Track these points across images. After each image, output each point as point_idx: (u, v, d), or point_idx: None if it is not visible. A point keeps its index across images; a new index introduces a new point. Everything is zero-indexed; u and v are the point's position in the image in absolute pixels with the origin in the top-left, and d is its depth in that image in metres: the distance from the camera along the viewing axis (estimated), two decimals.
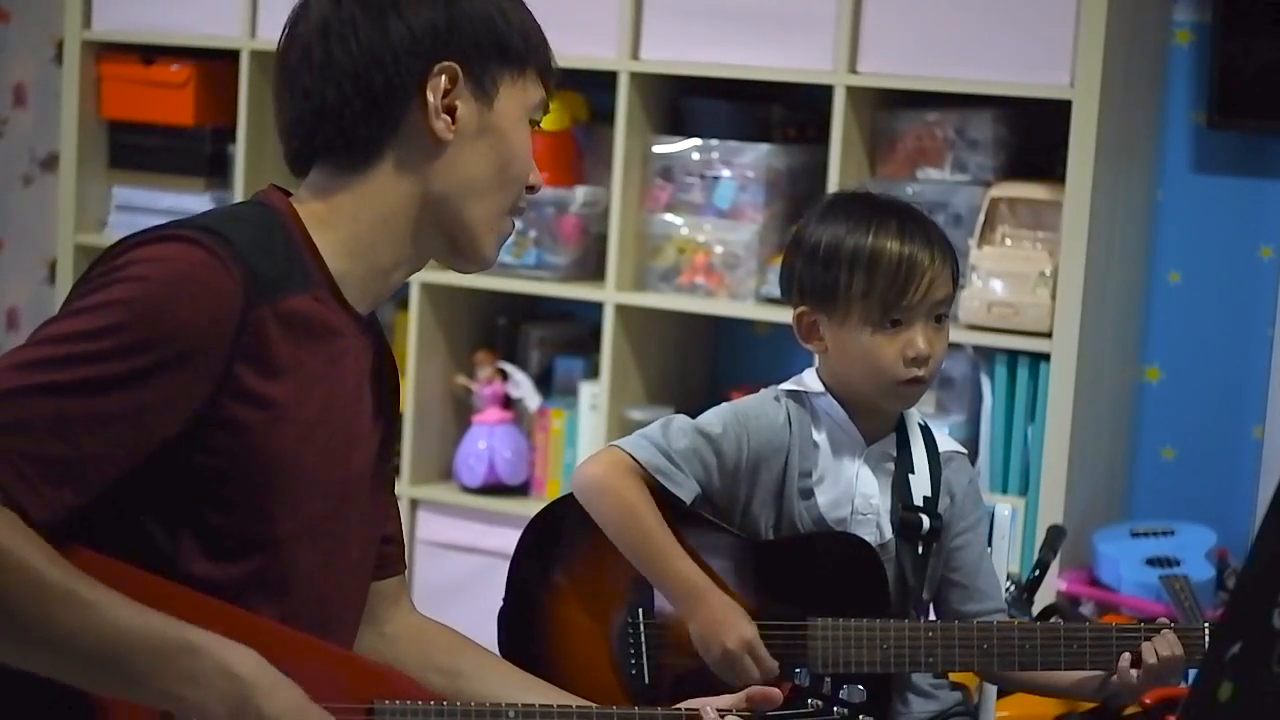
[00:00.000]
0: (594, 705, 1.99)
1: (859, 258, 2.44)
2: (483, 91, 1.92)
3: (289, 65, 1.92)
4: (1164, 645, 2.38)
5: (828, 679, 2.03)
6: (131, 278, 1.75)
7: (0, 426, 1.68)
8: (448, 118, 1.90)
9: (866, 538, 2.47)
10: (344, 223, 1.91)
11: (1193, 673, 2.46)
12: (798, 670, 2.06)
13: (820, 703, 2.04)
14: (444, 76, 1.90)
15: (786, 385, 2.54)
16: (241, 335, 1.79)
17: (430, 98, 1.89)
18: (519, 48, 1.94)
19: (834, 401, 2.50)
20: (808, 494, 2.49)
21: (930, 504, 2.50)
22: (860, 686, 2.03)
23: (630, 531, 2.44)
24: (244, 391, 1.80)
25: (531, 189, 2.00)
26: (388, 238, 1.93)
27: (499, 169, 1.95)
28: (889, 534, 2.49)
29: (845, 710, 2.03)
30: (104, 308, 1.74)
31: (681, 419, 2.52)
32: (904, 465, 2.51)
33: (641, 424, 2.64)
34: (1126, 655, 2.39)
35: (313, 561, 1.90)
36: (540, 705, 1.94)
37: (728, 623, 2.38)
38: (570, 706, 1.96)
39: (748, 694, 2.04)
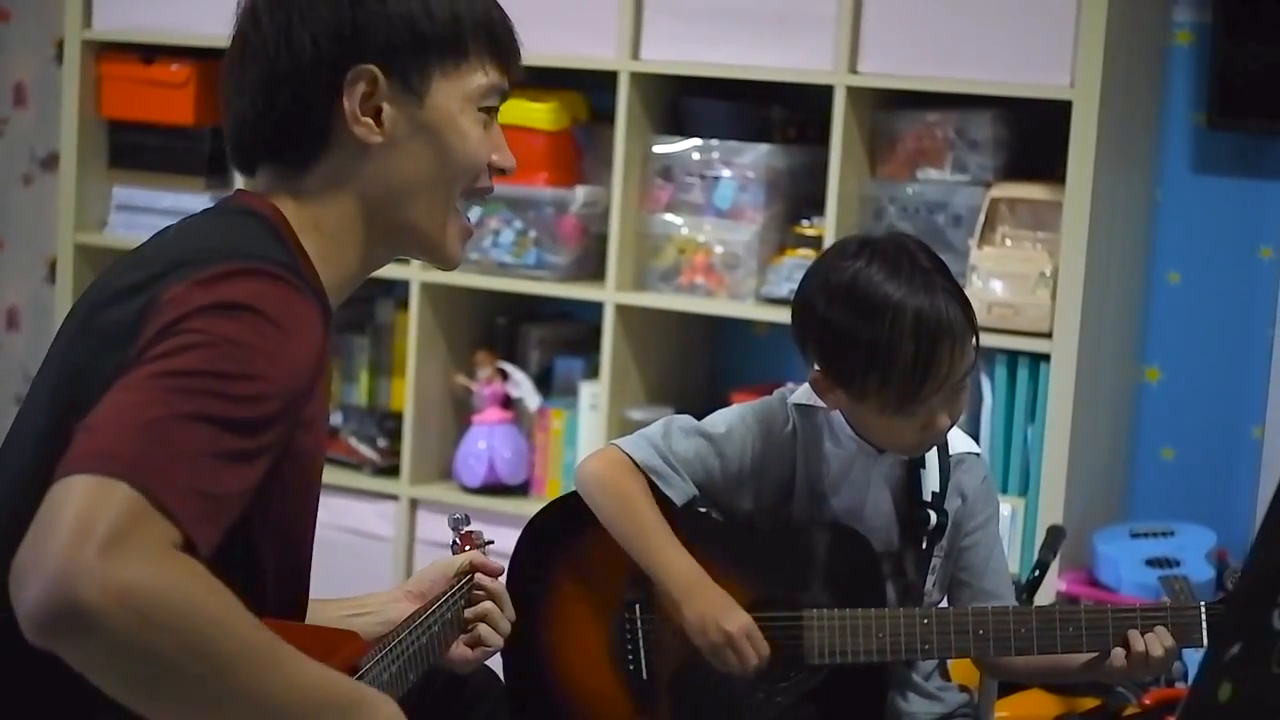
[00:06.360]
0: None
1: (875, 355, 2.34)
2: (410, 90, 1.88)
3: (224, 76, 1.95)
4: (1154, 643, 2.38)
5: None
6: (248, 316, 1.66)
7: (158, 457, 1.54)
8: (370, 121, 1.86)
9: (875, 540, 2.47)
10: (308, 231, 1.88)
11: (1191, 670, 2.47)
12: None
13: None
14: (361, 82, 1.86)
15: (797, 398, 2.52)
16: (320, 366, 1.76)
17: (347, 104, 1.86)
18: (449, 38, 1.89)
19: (843, 418, 2.49)
20: (820, 502, 2.49)
21: (937, 499, 2.50)
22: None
23: (627, 523, 2.46)
24: (303, 419, 1.75)
25: (501, 171, 1.96)
26: (349, 244, 1.90)
27: (438, 165, 1.90)
28: (896, 535, 2.49)
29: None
30: (225, 345, 1.63)
31: (684, 420, 2.52)
32: (915, 460, 2.51)
33: (642, 424, 2.65)
34: (1119, 651, 2.40)
35: (308, 559, 1.92)
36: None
37: (726, 609, 2.40)
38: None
39: (470, 559, 2.18)
